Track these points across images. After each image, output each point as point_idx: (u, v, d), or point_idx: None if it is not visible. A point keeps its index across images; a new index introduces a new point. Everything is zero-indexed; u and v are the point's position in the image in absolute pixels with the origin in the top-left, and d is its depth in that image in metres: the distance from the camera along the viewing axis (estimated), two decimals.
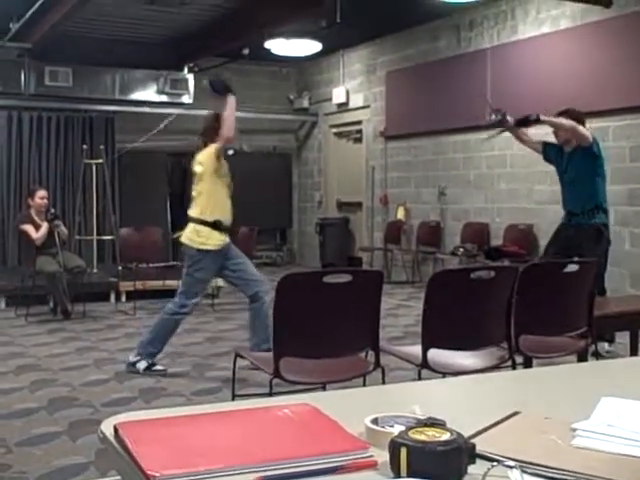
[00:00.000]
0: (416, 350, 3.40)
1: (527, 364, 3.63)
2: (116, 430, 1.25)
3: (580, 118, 5.62)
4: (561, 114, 5.67)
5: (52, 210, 7.96)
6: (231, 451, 1.17)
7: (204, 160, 5.17)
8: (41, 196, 7.85)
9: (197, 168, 5.23)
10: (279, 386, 3.30)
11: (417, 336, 3.43)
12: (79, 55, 10.29)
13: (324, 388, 3.37)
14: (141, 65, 11.14)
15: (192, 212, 5.23)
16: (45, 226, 7.65)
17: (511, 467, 1.03)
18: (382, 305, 3.35)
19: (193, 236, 5.18)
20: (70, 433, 4.01)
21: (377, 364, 3.32)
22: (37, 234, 7.61)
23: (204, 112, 11.47)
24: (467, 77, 9.31)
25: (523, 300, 3.48)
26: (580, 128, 5.49)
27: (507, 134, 6.05)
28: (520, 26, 8.78)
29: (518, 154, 8.39)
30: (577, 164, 5.57)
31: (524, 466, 1.05)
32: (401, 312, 7.99)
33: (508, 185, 9.00)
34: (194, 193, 5.27)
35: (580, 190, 5.56)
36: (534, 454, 1.15)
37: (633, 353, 4.57)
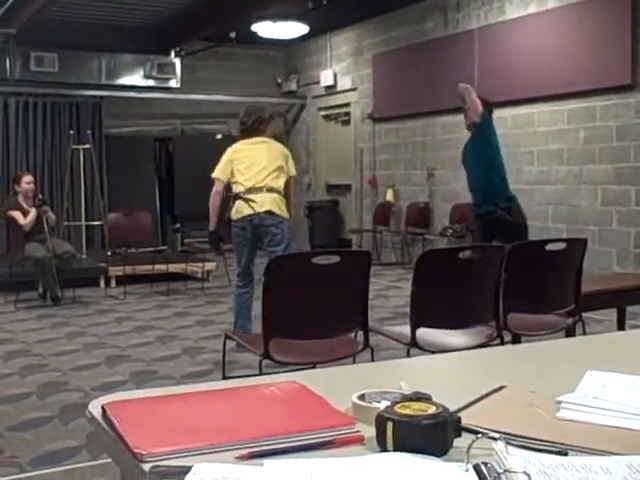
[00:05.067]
0: (405, 330, 3.41)
1: (515, 342, 3.65)
2: (104, 410, 1.25)
3: (487, 106, 5.76)
4: None
5: (40, 196, 7.93)
6: (218, 429, 1.17)
7: (288, 159, 5.57)
8: (27, 181, 7.80)
9: (280, 156, 5.50)
10: (269, 367, 3.32)
11: (407, 317, 3.45)
12: (65, 40, 10.22)
13: (314, 368, 3.38)
14: (127, 50, 11.08)
15: (275, 184, 5.40)
16: (33, 212, 7.61)
17: (495, 439, 1.03)
18: (372, 286, 3.36)
19: (283, 206, 5.43)
20: (61, 418, 4.02)
21: (366, 344, 3.34)
22: (25, 220, 7.57)
23: (191, 96, 11.58)
24: (455, 58, 9.29)
25: (511, 279, 3.50)
26: (474, 98, 5.57)
27: None
28: (507, 6, 8.76)
29: (505, 134, 8.38)
30: (474, 151, 5.70)
31: (509, 438, 1.06)
32: (391, 293, 8.01)
33: None
34: (273, 167, 5.40)
35: (479, 179, 5.67)
36: (519, 426, 1.16)
37: (620, 329, 4.61)
